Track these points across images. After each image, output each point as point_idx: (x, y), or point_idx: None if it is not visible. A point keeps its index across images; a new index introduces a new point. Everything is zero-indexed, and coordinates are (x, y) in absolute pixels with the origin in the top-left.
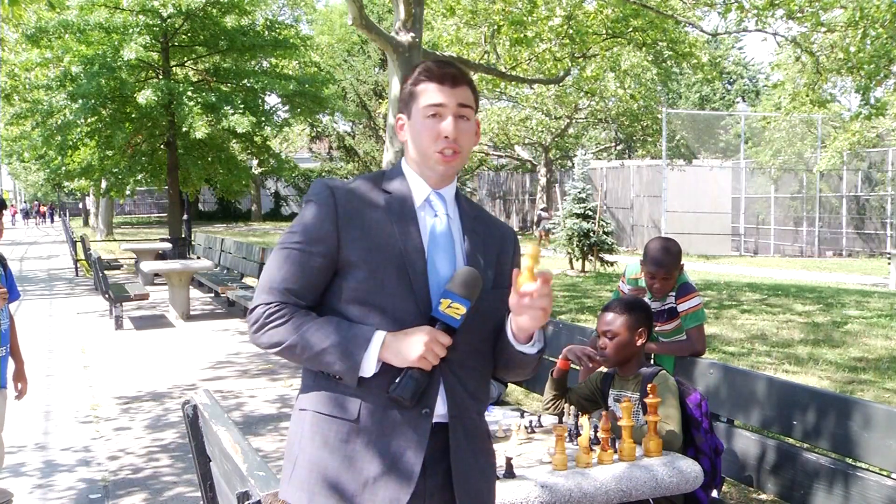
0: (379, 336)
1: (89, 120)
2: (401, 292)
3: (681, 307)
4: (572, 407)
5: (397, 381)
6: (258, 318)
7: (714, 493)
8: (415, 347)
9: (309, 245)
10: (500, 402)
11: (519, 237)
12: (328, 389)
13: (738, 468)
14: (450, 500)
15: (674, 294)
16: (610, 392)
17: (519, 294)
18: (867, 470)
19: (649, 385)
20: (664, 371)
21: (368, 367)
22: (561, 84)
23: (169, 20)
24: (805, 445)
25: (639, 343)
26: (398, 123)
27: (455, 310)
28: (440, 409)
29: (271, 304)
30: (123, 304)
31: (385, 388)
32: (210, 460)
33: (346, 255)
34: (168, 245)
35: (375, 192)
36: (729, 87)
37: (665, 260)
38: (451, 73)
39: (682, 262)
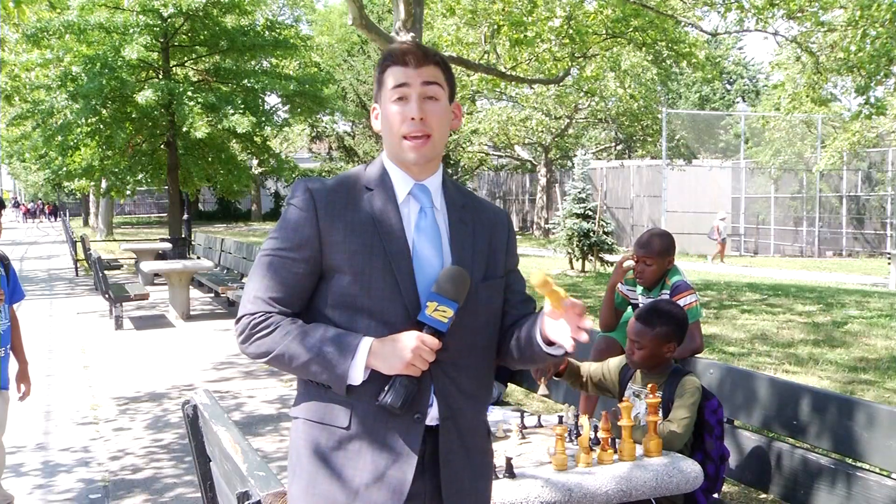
0: (365, 344)
1: (90, 120)
2: (388, 295)
3: None
4: (572, 407)
5: (386, 389)
6: (244, 328)
7: (714, 496)
8: (402, 355)
9: (291, 252)
10: (500, 402)
11: (518, 237)
12: (319, 398)
13: (738, 468)
14: None
15: (668, 293)
16: (629, 385)
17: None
18: (868, 470)
19: (649, 385)
20: (691, 374)
21: (356, 376)
22: (561, 84)
23: (169, 20)
24: (805, 445)
25: (667, 356)
26: (373, 114)
27: (442, 313)
28: (434, 412)
29: (256, 315)
30: (123, 304)
31: (375, 395)
32: (210, 460)
33: (330, 259)
34: (168, 245)
35: (357, 190)
36: (729, 87)
37: (650, 243)
38: (413, 52)
39: (670, 257)
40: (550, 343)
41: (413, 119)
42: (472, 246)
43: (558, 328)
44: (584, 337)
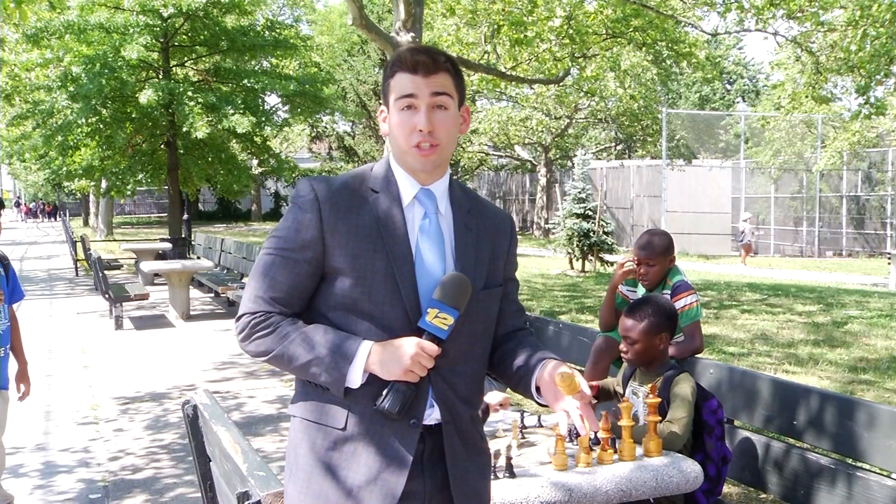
0: (365, 348)
1: (90, 120)
2: (389, 300)
3: (676, 305)
4: None
5: (383, 394)
6: (244, 327)
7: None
8: (401, 360)
9: (294, 252)
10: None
11: (518, 237)
12: (316, 398)
13: (738, 468)
14: (448, 500)
15: (669, 293)
16: (629, 384)
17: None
18: (868, 470)
19: (649, 385)
20: (686, 373)
21: (354, 379)
22: (561, 84)
23: (169, 20)
24: (805, 445)
25: (661, 347)
26: (381, 116)
27: (442, 320)
28: (434, 413)
29: (257, 314)
30: (123, 304)
31: (372, 399)
32: (210, 460)
33: (333, 261)
34: (168, 245)
35: (362, 192)
36: (729, 87)
37: (649, 245)
38: (423, 60)
39: (672, 256)
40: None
41: (421, 130)
42: (475, 253)
43: (560, 405)
44: (584, 431)
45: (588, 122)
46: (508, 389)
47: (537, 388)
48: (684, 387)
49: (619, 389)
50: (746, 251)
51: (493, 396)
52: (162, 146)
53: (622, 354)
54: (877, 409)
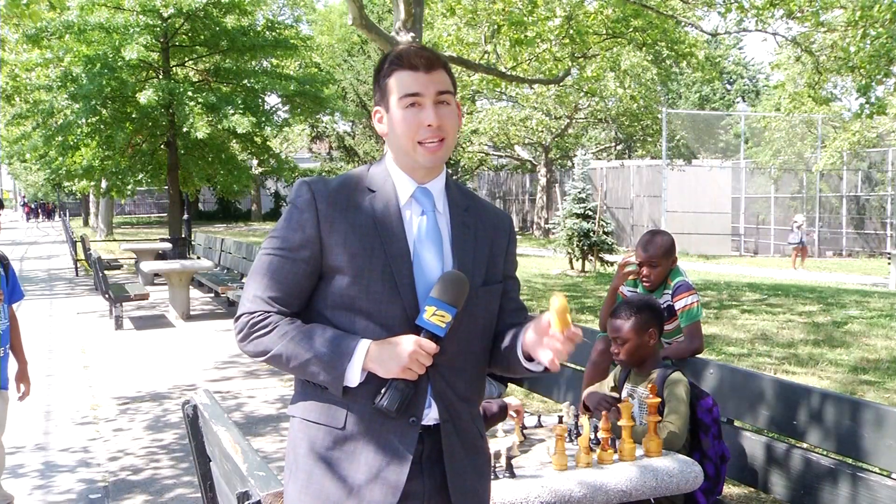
0: (363, 346)
1: (90, 120)
2: (387, 298)
3: (676, 305)
4: (572, 407)
5: (382, 392)
6: (242, 327)
7: (715, 497)
8: (399, 358)
9: (291, 252)
10: None
11: (518, 237)
12: (315, 397)
13: (739, 469)
14: (447, 499)
15: (670, 293)
16: (625, 386)
17: (546, 335)
18: (868, 471)
19: (648, 385)
20: (678, 372)
21: (353, 378)
22: (561, 84)
23: (169, 20)
24: (806, 445)
25: (651, 343)
26: (376, 117)
27: (440, 318)
28: (432, 413)
29: (255, 314)
30: (123, 304)
31: (371, 397)
32: (210, 460)
33: (330, 260)
34: (168, 245)
35: (359, 191)
36: (729, 87)
37: (654, 245)
38: (424, 56)
39: (674, 257)
40: (530, 359)
41: (430, 126)
42: (473, 250)
43: (544, 348)
44: (556, 364)
45: (588, 122)
46: (508, 389)
47: (526, 357)
48: (678, 386)
49: (614, 394)
50: (804, 253)
51: (512, 399)
52: (162, 146)
53: (614, 357)
54: (878, 409)
